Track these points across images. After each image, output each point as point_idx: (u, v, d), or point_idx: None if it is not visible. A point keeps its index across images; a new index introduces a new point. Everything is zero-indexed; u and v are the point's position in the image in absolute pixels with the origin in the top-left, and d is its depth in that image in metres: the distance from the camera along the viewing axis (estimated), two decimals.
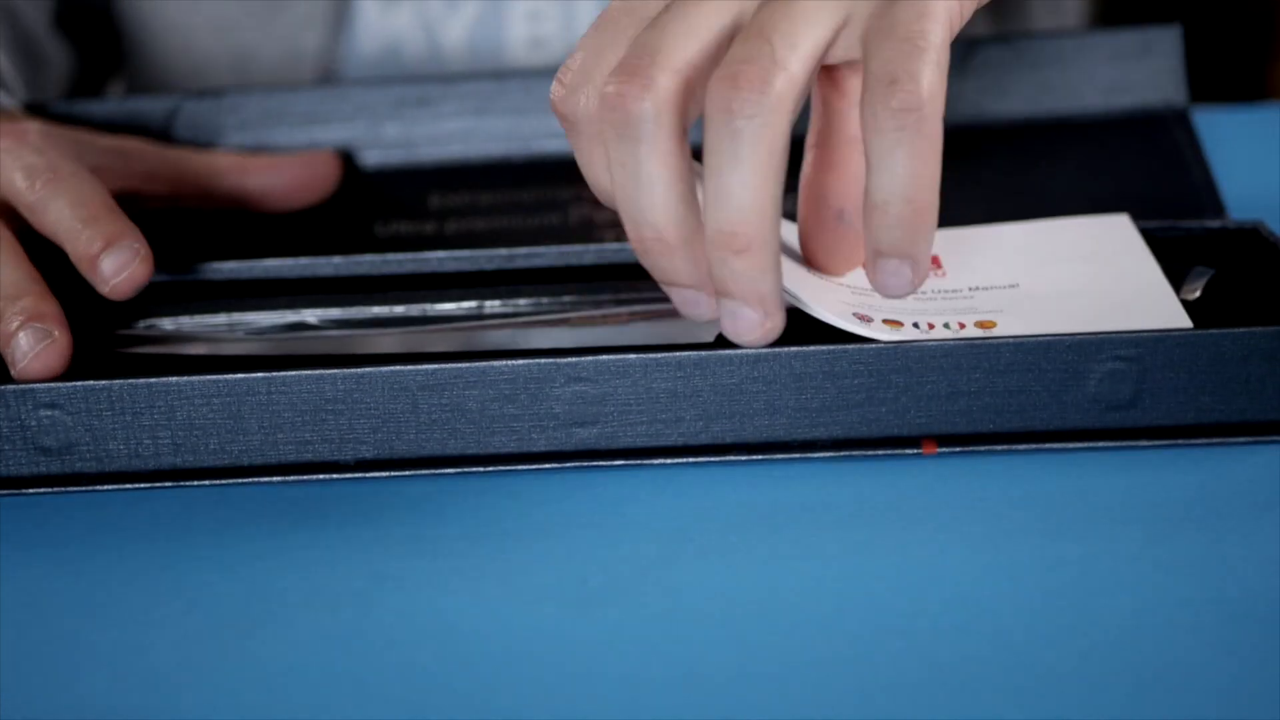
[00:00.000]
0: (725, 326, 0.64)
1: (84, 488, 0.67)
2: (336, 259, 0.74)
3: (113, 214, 0.71)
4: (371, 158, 0.86)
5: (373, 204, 0.84)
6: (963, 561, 0.63)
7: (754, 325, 0.64)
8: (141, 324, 0.73)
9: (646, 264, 0.64)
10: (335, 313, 0.73)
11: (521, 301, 0.73)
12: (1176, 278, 0.70)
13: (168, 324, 0.73)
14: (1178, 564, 0.62)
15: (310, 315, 0.73)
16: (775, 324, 0.64)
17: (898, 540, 0.64)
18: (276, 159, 0.82)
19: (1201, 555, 0.63)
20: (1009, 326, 0.68)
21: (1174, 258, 0.71)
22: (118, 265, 0.70)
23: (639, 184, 0.62)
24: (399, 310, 0.73)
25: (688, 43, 0.62)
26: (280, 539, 0.65)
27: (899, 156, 0.62)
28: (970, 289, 0.71)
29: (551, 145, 0.86)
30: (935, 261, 0.72)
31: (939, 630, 0.60)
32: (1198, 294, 0.69)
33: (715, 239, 0.62)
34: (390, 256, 0.74)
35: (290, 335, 0.72)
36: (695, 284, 0.64)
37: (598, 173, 0.65)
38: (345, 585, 0.63)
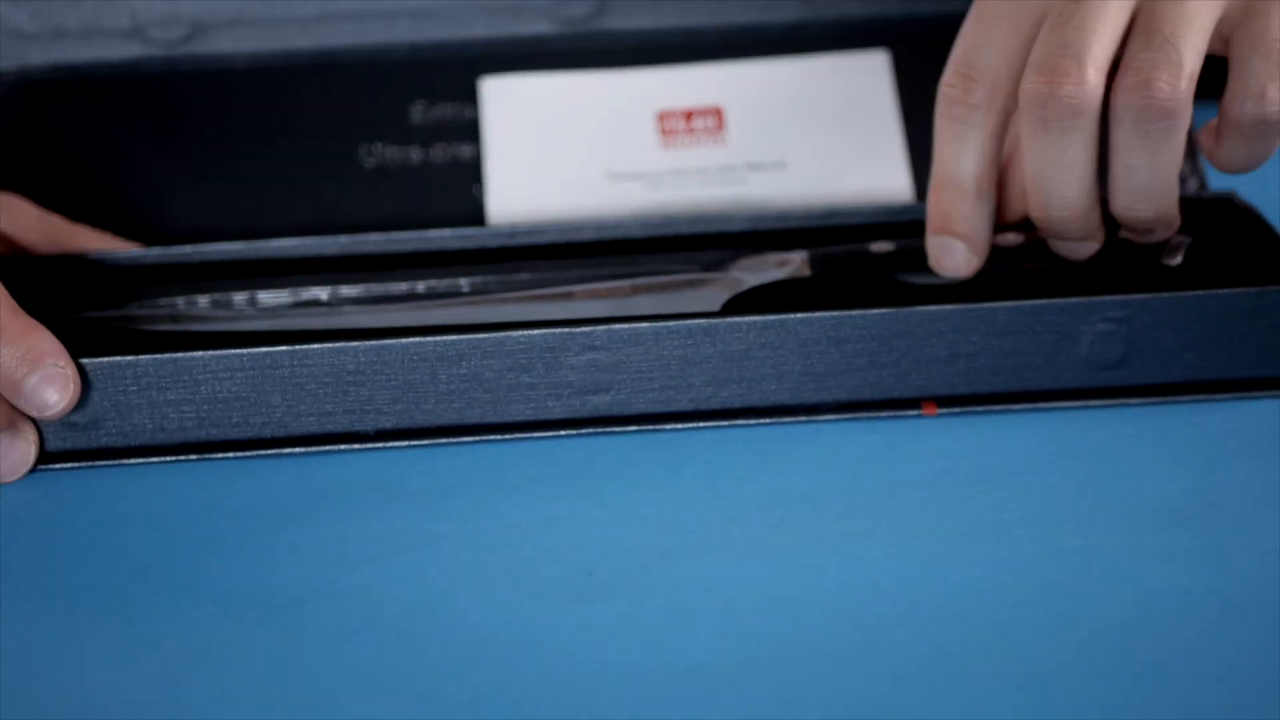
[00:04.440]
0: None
1: (110, 461, 0.69)
2: (343, 238, 0.76)
3: (18, 318, 0.69)
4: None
5: (353, 118, 0.85)
6: (968, 543, 0.64)
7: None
8: (163, 301, 0.74)
9: (1051, 230, 0.70)
10: (343, 290, 0.75)
11: (524, 276, 0.75)
12: (1158, 246, 0.73)
13: (181, 302, 0.74)
14: (1176, 555, 0.64)
15: (321, 293, 0.75)
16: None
17: (900, 531, 0.65)
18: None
19: (1201, 543, 0.64)
20: None
21: None
22: (54, 398, 0.68)
23: (1061, 168, 0.68)
24: (403, 287, 0.75)
25: (1102, 41, 0.68)
26: (287, 534, 0.66)
27: (1241, 158, 0.70)
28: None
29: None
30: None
31: (941, 615, 0.61)
32: (1179, 260, 0.72)
33: (1124, 215, 0.70)
34: (396, 235, 0.76)
35: (292, 311, 0.73)
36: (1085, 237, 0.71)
37: (966, 155, 0.70)
38: (353, 579, 0.64)
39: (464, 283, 0.75)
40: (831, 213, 0.76)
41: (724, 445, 0.69)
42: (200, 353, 0.68)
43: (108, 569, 0.65)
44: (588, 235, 0.76)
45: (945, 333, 0.69)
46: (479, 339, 0.68)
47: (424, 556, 0.65)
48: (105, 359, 0.68)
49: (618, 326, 0.69)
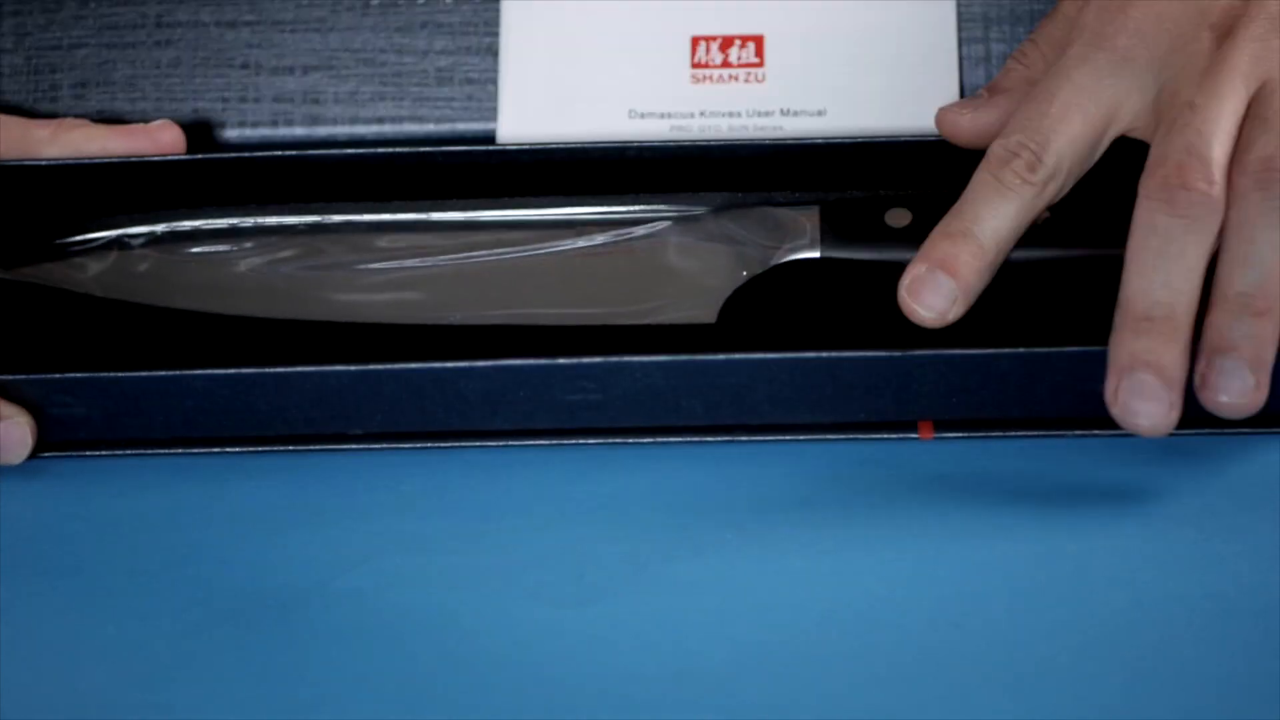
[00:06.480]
0: (1215, 387, 0.65)
1: (98, 452, 0.69)
2: (335, 151, 0.72)
3: None
4: None
5: None
6: (958, 556, 0.65)
7: (1247, 389, 0.65)
8: (140, 230, 0.73)
9: (1134, 347, 0.65)
10: (333, 219, 0.72)
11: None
12: None
13: (162, 229, 0.73)
14: (1171, 558, 0.64)
15: (336, 217, 0.72)
16: (1265, 393, 0.65)
17: (892, 539, 0.66)
18: (112, 129, 0.75)
19: (1196, 549, 0.65)
20: None
21: None
22: None
23: (1175, 265, 0.65)
24: (441, 216, 0.73)
25: (1223, 144, 0.66)
26: (279, 537, 0.67)
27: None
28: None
29: None
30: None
31: (934, 624, 0.62)
32: None
33: (1238, 300, 0.65)
34: (395, 150, 0.72)
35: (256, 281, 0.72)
36: (1173, 373, 0.65)
37: (1000, 221, 0.67)
38: (345, 582, 0.65)
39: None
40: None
41: (716, 451, 0.69)
42: (185, 373, 0.67)
43: (100, 572, 0.66)
44: (595, 155, 0.72)
45: (946, 374, 0.67)
46: (464, 367, 0.67)
47: (416, 560, 0.66)
48: (90, 374, 0.67)
49: (610, 360, 0.67)
